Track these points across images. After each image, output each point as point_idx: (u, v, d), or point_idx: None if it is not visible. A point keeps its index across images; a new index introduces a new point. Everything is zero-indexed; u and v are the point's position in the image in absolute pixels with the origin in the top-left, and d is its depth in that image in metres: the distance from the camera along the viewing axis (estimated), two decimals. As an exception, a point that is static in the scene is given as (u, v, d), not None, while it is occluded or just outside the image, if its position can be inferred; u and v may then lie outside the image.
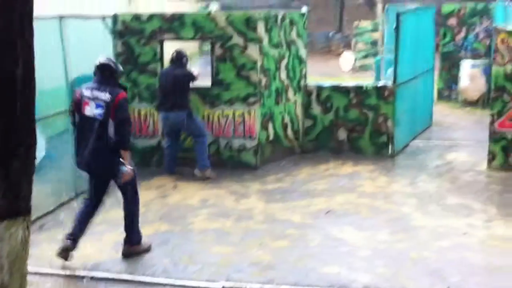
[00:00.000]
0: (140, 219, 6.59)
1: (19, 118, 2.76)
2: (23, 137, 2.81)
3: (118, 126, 5.29)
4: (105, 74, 5.43)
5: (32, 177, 3.04)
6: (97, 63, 5.51)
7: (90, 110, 5.32)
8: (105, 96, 5.30)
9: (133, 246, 5.74)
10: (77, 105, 5.44)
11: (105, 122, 5.29)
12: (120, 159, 5.32)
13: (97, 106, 5.29)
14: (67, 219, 6.58)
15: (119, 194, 7.53)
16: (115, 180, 5.54)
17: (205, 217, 6.69)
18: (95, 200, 5.72)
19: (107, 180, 5.61)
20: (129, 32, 8.51)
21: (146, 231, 6.27)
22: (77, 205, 7.13)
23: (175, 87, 7.90)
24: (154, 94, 8.52)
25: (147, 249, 5.81)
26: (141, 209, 6.89)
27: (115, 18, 8.54)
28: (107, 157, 5.33)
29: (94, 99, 5.32)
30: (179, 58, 8.04)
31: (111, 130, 5.29)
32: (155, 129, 8.63)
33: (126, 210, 5.76)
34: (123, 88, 5.54)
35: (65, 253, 5.45)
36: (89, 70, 9.61)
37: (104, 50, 8.61)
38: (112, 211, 7.01)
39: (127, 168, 5.35)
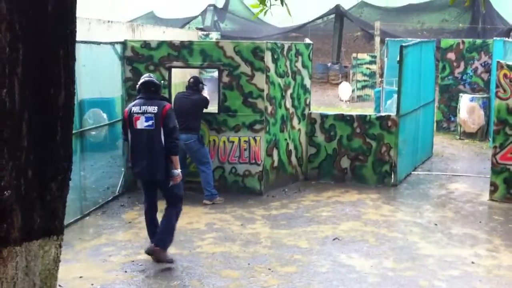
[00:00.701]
0: (147, 243, 6.64)
1: (59, 144, 2.80)
2: (62, 162, 2.86)
3: (167, 134, 5.87)
4: (150, 90, 5.99)
5: (66, 198, 3.09)
6: (142, 81, 6.06)
7: (141, 123, 5.88)
8: (153, 109, 5.87)
9: (158, 247, 6.00)
10: (127, 121, 5.99)
11: (157, 132, 5.85)
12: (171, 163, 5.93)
13: (147, 119, 5.87)
14: (74, 241, 6.62)
15: (125, 216, 7.64)
16: (162, 186, 6.04)
17: (212, 241, 6.73)
18: (152, 205, 6.21)
19: (164, 183, 6.01)
20: (138, 58, 8.64)
21: (155, 254, 6.30)
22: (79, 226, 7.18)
23: (191, 110, 8.03)
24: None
25: (170, 261, 6.07)
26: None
27: (124, 44, 8.69)
28: (162, 163, 5.88)
29: (144, 113, 5.88)
30: (196, 84, 8.23)
31: (162, 138, 5.85)
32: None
33: (166, 216, 6.11)
34: (167, 99, 6.16)
35: (154, 254, 6.04)
36: (97, 93, 9.80)
37: (113, 75, 8.78)
38: (119, 232, 7.08)
39: (178, 171, 5.95)
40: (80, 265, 6.04)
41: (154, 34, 17.28)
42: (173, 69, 8.73)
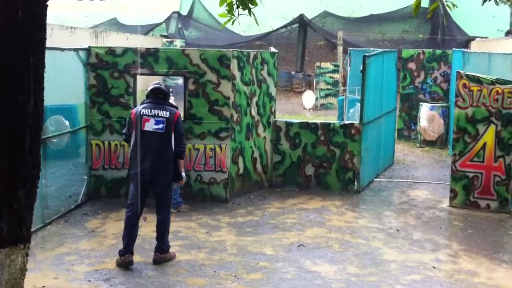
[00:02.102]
0: (111, 251, 6.59)
1: (28, 152, 2.78)
2: (30, 169, 2.84)
3: (177, 139, 6.15)
4: (159, 96, 6.25)
5: (34, 206, 3.07)
6: (151, 87, 6.29)
7: (150, 125, 6.09)
8: (165, 113, 6.13)
9: (163, 254, 6.26)
10: (134, 122, 6.15)
11: (167, 136, 6.09)
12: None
13: (157, 122, 6.09)
14: (36, 250, 6.50)
15: (88, 225, 7.54)
16: (156, 189, 6.21)
17: (177, 249, 6.69)
18: (138, 208, 6.19)
19: (167, 186, 6.22)
20: (102, 65, 8.57)
21: (119, 262, 6.25)
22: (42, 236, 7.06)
23: None
24: (125, 127, 8.55)
25: (173, 257, 6.36)
26: (112, 241, 6.93)
27: (88, 50, 8.60)
28: (169, 166, 6.13)
29: (154, 116, 6.10)
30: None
31: (171, 142, 6.10)
32: (124, 161, 8.63)
33: (161, 220, 6.28)
34: (176, 107, 6.39)
35: (124, 264, 6.14)
36: (59, 100, 9.66)
37: (76, 81, 8.68)
38: (82, 241, 6.98)
39: (184, 174, 6.30)
40: (42, 274, 5.93)
41: (117, 40, 17.15)
42: (138, 76, 8.69)
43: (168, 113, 6.15)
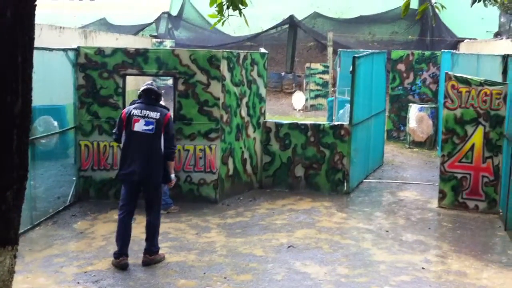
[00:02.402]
0: (100, 253, 6.56)
1: (15, 152, 2.75)
2: (18, 171, 2.81)
3: (167, 140, 6.12)
4: (150, 97, 6.22)
5: (22, 207, 3.04)
6: (143, 87, 6.26)
7: (140, 126, 6.06)
8: (155, 114, 6.09)
9: (152, 256, 6.23)
10: (124, 122, 6.12)
11: (157, 137, 6.05)
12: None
13: (147, 123, 6.06)
14: (24, 252, 6.45)
15: (76, 227, 7.50)
16: (146, 190, 6.17)
17: (167, 250, 6.66)
18: (131, 209, 6.23)
19: (155, 187, 6.19)
20: (91, 65, 8.53)
21: (108, 264, 6.22)
22: (36, 235, 7.01)
23: None
24: (114, 127, 8.52)
25: (163, 258, 6.33)
26: (101, 243, 6.90)
27: (77, 51, 8.55)
28: (159, 167, 6.09)
29: (144, 117, 6.07)
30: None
31: (162, 144, 6.06)
32: (113, 162, 8.59)
33: (150, 221, 6.26)
34: (167, 108, 6.37)
35: (120, 266, 6.12)
36: (48, 100, 9.59)
37: (64, 82, 8.62)
38: (71, 242, 6.94)
39: (173, 175, 6.31)
40: (31, 276, 5.88)
41: (107, 41, 17.07)
42: (127, 77, 8.66)
43: (158, 114, 6.12)
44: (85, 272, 6.03)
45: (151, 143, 6.07)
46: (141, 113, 6.10)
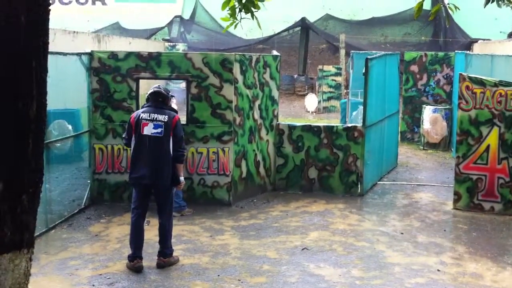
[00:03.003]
0: (115, 255, 6.59)
1: (31, 156, 2.77)
2: (33, 174, 2.83)
3: (176, 143, 6.12)
4: (158, 100, 6.22)
5: (37, 210, 3.07)
6: (150, 91, 6.30)
7: (148, 129, 6.08)
8: (163, 117, 6.10)
9: (166, 258, 6.26)
10: (133, 127, 6.16)
11: (166, 140, 6.07)
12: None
13: (156, 126, 6.07)
14: (39, 254, 6.49)
15: (91, 229, 7.54)
16: (160, 193, 6.20)
17: (181, 253, 6.68)
18: (143, 212, 6.29)
19: (166, 190, 6.20)
20: (105, 69, 8.58)
21: (122, 266, 6.25)
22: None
23: None
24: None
25: (177, 261, 6.36)
26: (116, 245, 6.93)
27: (91, 55, 8.61)
28: (168, 169, 6.09)
29: (153, 120, 6.09)
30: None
31: (170, 146, 6.07)
32: (127, 165, 8.62)
33: (163, 223, 6.28)
34: (175, 111, 6.41)
35: (134, 269, 6.14)
36: (62, 104, 9.67)
37: (78, 86, 8.68)
38: (86, 245, 6.98)
39: (183, 178, 6.27)
40: (46, 279, 5.92)
41: (120, 45, 17.17)
42: (141, 80, 8.71)
43: (166, 117, 6.13)
44: (100, 274, 6.06)
45: (160, 146, 6.08)
46: (149, 116, 6.13)
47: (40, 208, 7.33)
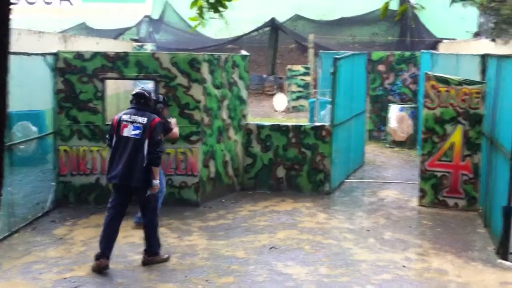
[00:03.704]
0: (80, 259, 6.50)
1: None
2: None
3: (152, 146, 6.12)
4: (140, 102, 6.28)
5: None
6: (133, 92, 6.39)
7: (128, 131, 6.14)
8: (143, 119, 6.14)
9: (151, 257, 6.30)
10: (114, 128, 6.23)
11: (141, 142, 6.10)
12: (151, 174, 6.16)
13: (135, 128, 6.13)
14: (2, 259, 6.37)
15: (56, 232, 7.42)
16: (138, 193, 6.21)
17: (148, 254, 6.62)
18: (120, 211, 6.28)
19: (138, 192, 6.21)
20: (71, 69, 8.46)
21: (88, 269, 6.16)
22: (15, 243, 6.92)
23: None
24: (94, 132, 8.48)
25: (166, 259, 6.37)
26: (81, 248, 6.84)
27: (56, 55, 8.48)
28: (142, 171, 6.09)
29: (133, 122, 6.16)
30: (155, 103, 7.22)
31: (146, 149, 6.09)
32: (93, 167, 8.53)
33: (148, 222, 6.34)
34: (157, 113, 6.41)
35: (99, 268, 6.07)
36: (26, 106, 9.49)
37: (43, 87, 8.53)
38: (50, 248, 6.86)
39: (157, 181, 6.19)
40: (9, 284, 5.80)
41: (87, 45, 16.92)
42: (108, 81, 8.61)
43: (146, 119, 6.15)
44: (65, 278, 5.96)
45: (136, 148, 6.11)
46: (130, 118, 6.19)
47: (2, 212, 7.19)
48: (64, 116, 8.50)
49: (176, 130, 7.40)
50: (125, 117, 6.23)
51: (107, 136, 6.56)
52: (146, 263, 6.28)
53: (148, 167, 6.11)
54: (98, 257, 6.10)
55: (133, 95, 6.34)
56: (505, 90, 6.98)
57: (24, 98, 9.26)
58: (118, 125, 6.21)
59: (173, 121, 7.46)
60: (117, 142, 6.20)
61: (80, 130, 8.51)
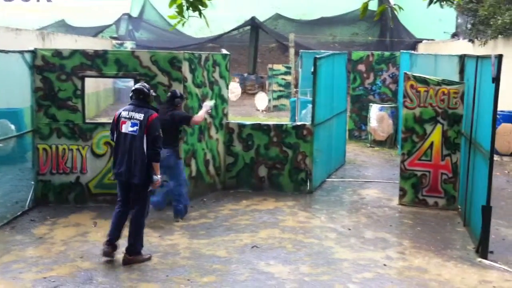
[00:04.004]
0: (60, 258, 6.44)
1: None
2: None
3: (150, 142, 6.19)
4: (139, 98, 6.35)
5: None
6: (132, 88, 6.45)
7: (126, 127, 6.24)
8: (140, 116, 6.22)
9: (132, 256, 6.30)
10: (115, 124, 6.35)
11: (139, 138, 6.18)
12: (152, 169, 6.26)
13: (133, 124, 6.22)
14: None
15: (35, 232, 7.34)
16: (136, 189, 6.29)
17: (129, 254, 6.57)
18: (126, 206, 6.41)
19: (138, 187, 6.29)
20: (49, 67, 8.35)
21: (68, 269, 6.11)
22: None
23: (170, 125, 7.52)
24: (73, 130, 8.39)
25: (147, 259, 6.36)
26: (60, 248, 6.77)
27: (34, 53, 8.36)
28: (142, 167, 6.18)
29: (130, 118, 6.24)
30: (172, 98, 7.73)
31: (144, 145, 6.16)
32: (73, 165, 8.43)
33: (134, 219, 6.36)
34: (155, 109, 6.43)
35: (107, 256, 6.31)
36: (6, 103, 9.36)
37: (21, 85, 8.42)
38: (30, 248, 6.78)
39: (158, 177, 6.29)
40: (-13, 284, 5.72)
41: (66, 42, 16.75)
42: (87, 79, 8.52)
43: (142, 115, 6.22)
44: (44, 278, 5.89)
45: (135, 144, 6.20)
46: (128, 114, 6.28)
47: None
48: (43, 115, 8.39)
49: (202, 113, 7.86)
50: (124, 113, 6.32)
51: (110, 131, 6.67)
52: (126, 262, 6.25)
53: (149, 163, 6.20)
54: (104, 243, 6.35)
55: (133, 90, 6.41)
56: (483, 90, 7.07)
57: (2, 96, 9.14)
58: (118, 121, 6.32)
59: (208, 104, 7.98)
60: (118, 138, 6.33)
61: (59, 129, 8.41)
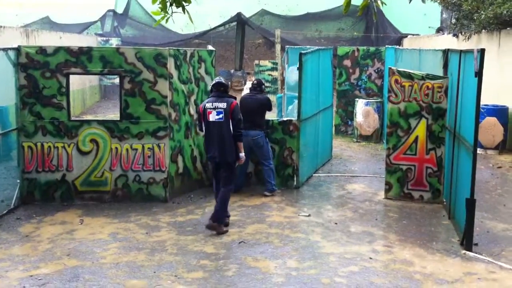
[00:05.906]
0: (46, 256, 6.42)
1: None
2: None
3: (235, 125, 7.23)
4: (220, 90, 7.35)
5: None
6: (213, 82, 7.46)
7: (213, 116, 7.20)
8: (223, 105, 7.22)
9: (215, 223, 7.15)
10: (202, 115, 7.31)
11: (225, 123, 7.18)
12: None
13: (218, 113, 7.20)
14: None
15: (21, 230, 7.31)
16: (227, 166, 7.27)
17: (116, 251, 6.58)
18: (218, 184, 7.40)
19: (230, 165, 7.30)
20: (33, 64, 8.30)
21: (54, 267, 6.09)
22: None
23: (258, 109, 8.90)
24: (58, 128, 8.35)
25: (225, 232, 7.17)
26: (47, 246, 6.77)
27: (18, 50, 8.30)
28: (231, 148, 7.23)
29: (215, 108, 7.22)
30: (259, 85, 9.17)
31: (230, 128, 7.18)
32: (58, 163, 8.40)
33: (222, 192, 7.29)
34: (234, 97, 7.44)
35: (213, 229, 7.20)
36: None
37: (5, 82, 8.36)
38: (16, 246, 6.76)
39: (243, 154, 7.38)
40: (-27, 283, 5.69)
41: (50, 39, 16.63)
42: (71, 76, 8.48)
43: (225, 104, 7.20)
44: (31, 276, 5.88)
45: (223, 129, 7.17)
46: (212, 105, 7.24)
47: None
48: (28, 112, 8.34)
49: None
50: (208, 105, 7.25)
51: (196, 122, 7.80)
52: (210, 227, 7.13)
53: (235, 143, 7.20)
54: (220, 221, 7.20)
55: (213, 85, 7.37)
56: (467, 85, 7.14)
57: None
58: (204, 112, 7.24)
59: None
60: (207, 126, 7.26)
61: (44, 126, 8.37)
